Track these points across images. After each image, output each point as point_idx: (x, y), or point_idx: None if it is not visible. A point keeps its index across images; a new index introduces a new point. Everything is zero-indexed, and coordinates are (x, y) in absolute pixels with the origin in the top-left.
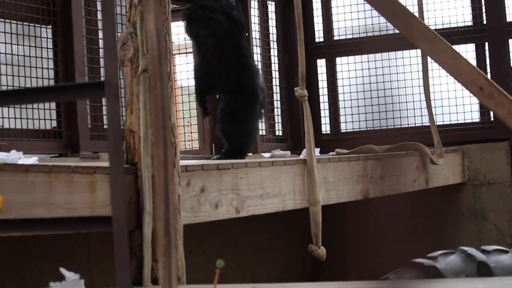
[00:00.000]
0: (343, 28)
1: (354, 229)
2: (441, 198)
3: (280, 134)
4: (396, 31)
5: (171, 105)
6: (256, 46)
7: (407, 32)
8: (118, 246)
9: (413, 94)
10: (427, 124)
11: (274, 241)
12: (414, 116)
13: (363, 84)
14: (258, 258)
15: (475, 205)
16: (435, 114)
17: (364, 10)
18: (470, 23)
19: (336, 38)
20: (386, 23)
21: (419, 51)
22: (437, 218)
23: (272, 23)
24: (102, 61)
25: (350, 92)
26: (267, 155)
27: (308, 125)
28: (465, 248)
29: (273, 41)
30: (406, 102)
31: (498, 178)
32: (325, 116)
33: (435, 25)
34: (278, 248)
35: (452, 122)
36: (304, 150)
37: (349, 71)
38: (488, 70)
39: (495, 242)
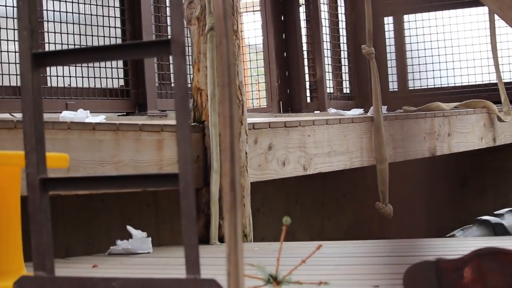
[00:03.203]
0: None
1: (420, 187)
2: (508, 156)
3: (348, 92)
4: None
5: (237, 63)
6: (324, 3)
7: None
8: (185, 204)
9: (480, 51)
10: (495, 81)
11: (341, 199)
12: (482, 74)
13: (431, 41)
14: (325, 215)
15: None
16: (503, 72)
17: None
18: None
19: None
20: None
21: (485, 8)
22: (504, 176)
23: None
24: (169, 20)
25: (418, 50)
26: (333, 111)
27: (375, 83)
28: None
29: None
30: (474, 59)
31: None
32: (392, 74)
33: None
34: (345, 206)
35: None
36: (372, 107)
37: (416, 28)
38: None
39: None
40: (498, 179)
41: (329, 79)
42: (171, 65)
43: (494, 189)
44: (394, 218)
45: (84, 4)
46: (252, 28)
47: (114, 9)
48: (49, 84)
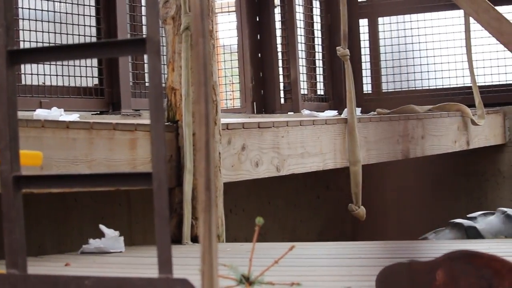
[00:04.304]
0: None
1: (394, 189)
2: (481, 159)
3: (322, 93)
4: None
5: (211, 63)
6: (299, 5)
7: None
8: (158, 203)
9: (455, 54)
10: (469, 84)
11: (314, 200)
12: (456, 77)
13: (405, 44)
14: (298, 217)
15: None
16: (477, 75)
17: None
18: None
19: None
20: None
21: (461, 11)
22: (477, 179)
23: None
24: (144, 19)
25: (392, 52)
26: (307, 112)
27: (349, 85)
28: (504, 209)
29: (316, 0)
30: (448, 62)
31: None
32: (366, 76)
33: None
34: (318, 207)
35: (493, 83)
36: (346, 109)
37: (391, 31)
38: None
39: None
40: (471, 182)
41: (303, 81)
42: (145, 64)
43: (467, 192)
44: (367, 220)
45: (60, 2)
46: (227, 29)
47: (90, 7)
48: (23, 82)
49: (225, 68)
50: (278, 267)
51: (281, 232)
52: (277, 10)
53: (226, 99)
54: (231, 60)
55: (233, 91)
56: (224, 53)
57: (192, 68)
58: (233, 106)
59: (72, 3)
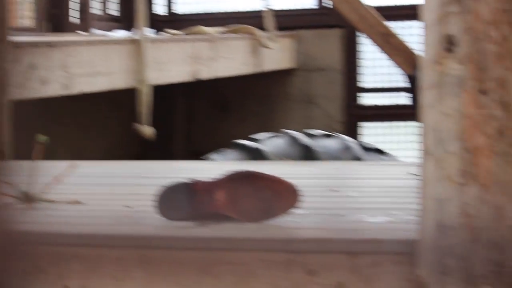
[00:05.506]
0: None
1: (183, 109)
2: (271, 82)
3: (114, 13)
4: None
5: None
6: None
7: None
8: None
9: None
10: (262, 8)
11: (103, 120)
12: (249, 0)
13: None
14: (87, 136)
15: (305, 90)
16: None
17: None
18: None
19: None
20: None
21: None
22: (268, 102)
23: None
24: None
25: None
26: (98, 32)
27: (140, 5)
28: (290, 131)
29: None
30: None
31: (329, 64)
32: None
33: None
34: (108, 126)
35: (286, 8)
36: (136, 30)
37: None
38: None
39: (323, 127)
40: (261, 105)
41: (96, 1)
42: None
43: (257, 115)
44: (156, 140)
45: None
46: None
47: None
48: None
49: None
50: (61, 185)
51: (69, 151)
52: None
53: (19, 18)
54: None
55: (25, 9)
56: None
57: None
58: (24, 25)
59: None
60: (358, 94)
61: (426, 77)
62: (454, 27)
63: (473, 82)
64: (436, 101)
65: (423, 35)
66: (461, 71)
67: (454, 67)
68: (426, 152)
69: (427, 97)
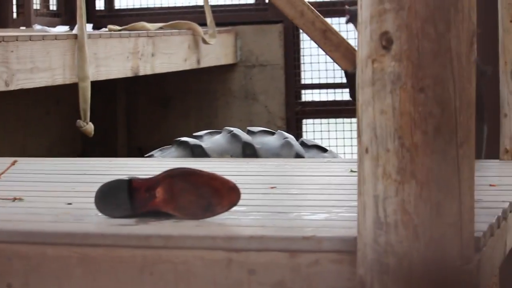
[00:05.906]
0: None
1: (124, 105)
2: (212, 78)
3: (55, 9)
4: None
5: None
6: None
7: None
8: None
9: None
10: (201, 4)
11: (44, 116)
12: None
13: None
14: (28, 133)
15: (246, 87)
16: None
17: None
18: None
19: None
20: None
21: None
22: (209, 98)
23: None
24: None
25: None
26: (39, 27)
27: (81, 0)
28: (231, 128)
29: None
30: None
31: (270, 60)
32: None
33: None
34: (49, 123)
35: (226, 3)
36: (76, 25)
37: None
38: None
39: (265, 124)
40: (201, 101)
41: None
42: None
43: (197, 111)
44: (96, 137)
45: None
46: None
47: None
48: None
49: None
50: (2, 182)
51: (10, 147)
52: None
53: None
54: None
55: None
56: None
57: None
58: None
59: None
60: (300, 90)
61: (363, 74)
62: (390, 24)
63: (409, 80)
64: (373, 98)
65: (359, 32)
66: (398, 68)
67: (390, 64)
68: (364, 150)
69: (364, 94)
